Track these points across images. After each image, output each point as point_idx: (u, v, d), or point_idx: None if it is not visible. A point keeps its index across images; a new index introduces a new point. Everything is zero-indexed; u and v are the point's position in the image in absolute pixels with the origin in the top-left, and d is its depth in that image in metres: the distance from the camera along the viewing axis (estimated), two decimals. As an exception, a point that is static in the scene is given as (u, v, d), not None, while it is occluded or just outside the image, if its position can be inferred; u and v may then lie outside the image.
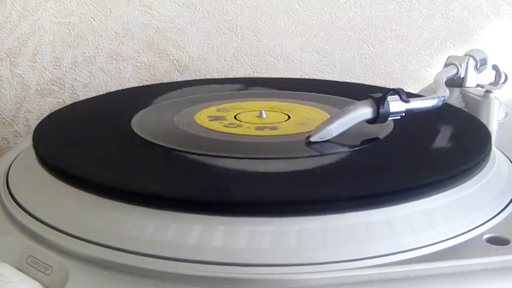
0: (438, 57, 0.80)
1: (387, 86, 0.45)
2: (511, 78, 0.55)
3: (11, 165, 0.44)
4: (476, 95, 0.56)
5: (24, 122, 0.78)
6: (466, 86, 0.60)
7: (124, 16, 0.75)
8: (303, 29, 0.78)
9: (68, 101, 0.76)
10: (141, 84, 0.77)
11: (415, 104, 0.43)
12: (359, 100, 0.43)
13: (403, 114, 0.43)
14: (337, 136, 0.42)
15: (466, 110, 0.56)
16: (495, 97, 0.54)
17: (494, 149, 0.43)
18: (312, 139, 0.42)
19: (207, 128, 0.46)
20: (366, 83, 0.78)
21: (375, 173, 0.37)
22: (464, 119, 0.50)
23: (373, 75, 0.81)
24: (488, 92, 0.55)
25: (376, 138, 0.43)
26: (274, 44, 0.79)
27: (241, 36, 0.78)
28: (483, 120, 0.50)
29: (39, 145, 0.42)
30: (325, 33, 0.79)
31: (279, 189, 0.35)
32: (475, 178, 0.38)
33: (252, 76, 0.79)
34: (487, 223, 0.35)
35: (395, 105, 0.42)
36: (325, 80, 0.73)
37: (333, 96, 0.56)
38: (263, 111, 0.49)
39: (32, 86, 0.76)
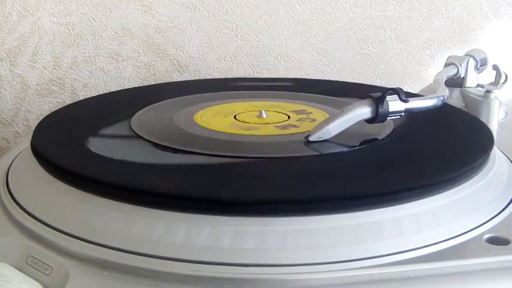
0: (438, 57, 0.80)
1: (387, 86, 0.45)
2: (511, 78, 0.55)
3: (11, 165, 0.44)
4: (476, 95, 0.56)
5: (24, 122, 0.78)
6: (466, 86, 0.60)
7: (124, 16, 0.75)
8: (303, 29, 0.78)
9: (68, 101, 0.76)
10: (141, 84, 0.77)
11: (414, 104, 0.43)
12: (359, 100, 0.43)
13: (403, 114, 0.43)
14: (336, 136, 0.42)
15: (466, 110, 0.56)
16: (495, 97, 0.54)
17: (494, 149, 0.43)
18: (311, 138, 0.42)
19: (207, 128, 0.46)
20: (366, 83, 0.78)
21: (374, 173, 0.37)
22: (464, 119, 0.50)
23: (373, 75, 0.81)
24: (488, 92, 0.54)
25: (376, 138, 0.43)
26: (274, 44, 0.79)
27: (241, 36, 0.78)
28: (483, 120, 0.50)
29: (39, 145, 0.42)
30: (325, 33, 0.79)
31: (278, 189, 0.35)
32: (475, 178, 0.38)
33: (252, 76, 0.79)
34: (487, 223, 0.35)
35: (395, 105, 0.42)
36: (325, 80, 0.73)
37: (333, 97, 0.56)
38: (263, 111, 0.49)
39: (32, 86, 0.76)
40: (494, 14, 0.79)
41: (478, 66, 0.61)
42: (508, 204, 0.37)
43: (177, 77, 0.78)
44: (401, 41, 0.80)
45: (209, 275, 0.30)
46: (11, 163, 0.44)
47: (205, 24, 0.77)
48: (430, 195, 0.35)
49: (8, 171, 0.42)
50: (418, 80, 0.81)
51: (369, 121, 0.43)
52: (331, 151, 0.41)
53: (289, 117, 0.49)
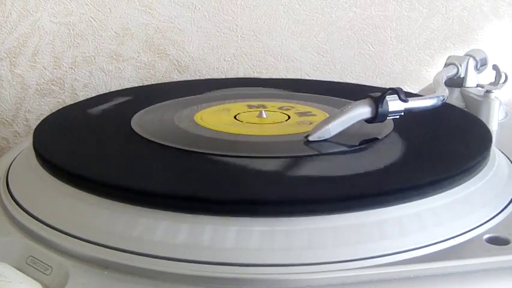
0: (438, 57, 0.80)
1: (387, 86, 0.45)
2: (511, 78, 0.55)
3: (11, 165, 0.44)
4: (476, 95, 0.56)
5: (24, 122, 0.78)
6: (466, 86, 0.60)
7: (124, 16, 0.75)
8: (303, 29, 0.78)
9: (68, 101, 0.76)
10: (141, 84, 0.77)
11: (414, 104, 0.43)
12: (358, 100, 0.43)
13: (402, 113, 0.43)
14: (336, 135, 0.42)
15: (466, 110, 0.56)
16: (495, 97, 0.54)
17: (494, 149, 0.43)
18: (311, 138, 0.42)
19: (207, 128, 0.46)
20: (366, 83, 0.78)
21: (374, 172, 0.37)
22: (464, 119, 0.50)
23: (373, 75, 0.81)
24: (488, 92, 0.54)
25: (376, 138, 0.43)
26: (274, 44, 0.79)
27: (241, 36, 0.78)
28: (483, 120, 0.50)
29: (39, 145, 0.42)
30: (325, 33, 0.79)
31: (277, 189, 0.35)
32: (475, 178, 0.38)
33: (252, 76, 0.79)
34: (487, 223, 0.35)
35: (394, 105, 0.42)
36: (325, 80, 0.73)
37: (333, 97, 0.56)
38: (263, 111, 0.49)
39: (32, 86, 0.76)
40: (494, 14, 0.79)
41: (478, 66, 0.61)
42: (508, 204, 0.37)
43: (177, 77, 0.78)
44: (401, 41, 0.80)
45: (209, 275, 0.30)
46: (11, 163, 0.44)
47: (205, 24, 0.77)
48: (430, 195, 0.35)
49: (8, 171, 0.43)
50: (418, 80, 0.81)
51: (369, 121, 0.43)
52: (330, 151, 0.41)
53: (289, 117, 0.49)
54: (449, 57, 0.62)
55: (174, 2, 0.76)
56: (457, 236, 0.33)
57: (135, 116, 0.49)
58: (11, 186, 0.40)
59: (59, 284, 0.31)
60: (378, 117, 0.42)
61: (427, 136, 0.44)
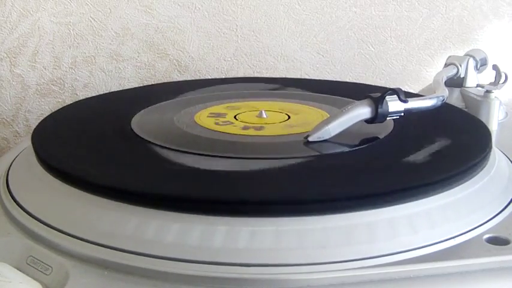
0: (438, 57, 0.80)
1: (387, 86, 0.45)
2: (511, 78, 0.55)
3: (11, 165, 0.44)
4: (476, 95, 0.56)
5: (24, 122, 0.78)
6: (466, 86, 0.60)
7: (124, 16, 0.75)
8: (303, 29, 0.78)
9: (68, 101, 0.76)
10: (141, 84, 0.77)
11: (414, 104, 0.43)
12: (359, 100, 0.43)
13: (402, 114, 0.43)
14: (336, 136, 0.42)
15: (466, 110, 0.56)
16: (495, 97, 0.54)
17: (494, 149, 0.43)
18: (311, 139, 0.42)
19: (207, 128, 0.46)
20: (366, 83, 0.78)
21: (374, 172, 0.37)
22: (464, 119, 0.50)
23: (373, 75, 0.81)
24: (488, 92, 0.54)
25: (376, 138, 0.43)
26: (274, 44, 0.79)
27: (241, 36, 0.78)
28: (483, 120, 0.50)
29: (39, 145, 0.42)
30: (325, 33, 0.79)
31: (278, 189, 0.35)
32: (475, 178, 0.38)
33: (252, 76, 0.79)
34: (487, 223, 0.35)
35: (394, 105, 0.42)
36: (325, 80, 0.73)
37: (333, 96, 0.56)
38: (263, 111, 0.49)
39: (32, 86, 0.76)
40: (494, 14, 0.79)
41: (478, 66, 0.61)
42: (508, 204, 0.37)
43: (177, 77, 0.78)
44: (401, 41, 0.80)
45: (209, 275, 0.30)
46: (11, 163, 0.44)
47: (205, 24, 0.77)
48: (430, 195, 0.35)
49: (8, 171, 0.43)
50: (418, 80, 0.81)
51: (369, 121, 0.43)
52: (330, 151, 0.41)
53: (289, 117, 0.49)
54: (449, 57, 0.62)
55: (174, 2, 0.76)
56: (457, 236, 0.33)
57: (135, 116, 0.49)
58: (11, 186, 0.40)
59: (59, 284, 0.31)
60: (377, 117, 0.42)
61: (427, 136, 0.44)
